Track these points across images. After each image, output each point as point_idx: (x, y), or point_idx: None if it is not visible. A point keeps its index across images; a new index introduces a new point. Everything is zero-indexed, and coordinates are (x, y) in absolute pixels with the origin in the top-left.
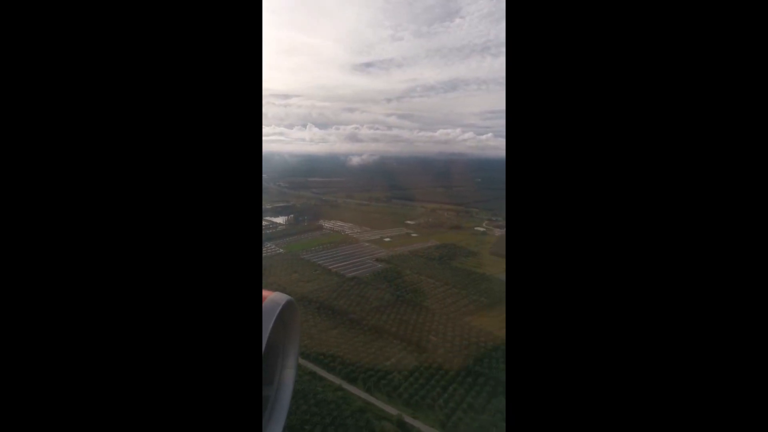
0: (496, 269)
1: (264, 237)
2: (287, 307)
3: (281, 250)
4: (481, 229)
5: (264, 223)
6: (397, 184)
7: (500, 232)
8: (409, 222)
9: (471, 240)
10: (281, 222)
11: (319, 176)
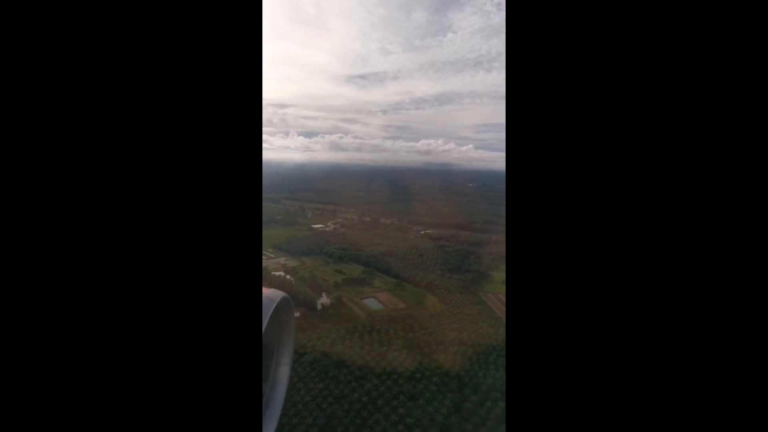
0: None
1: None
2: (282, 304)
3: None
4: (319, 226)
5: None
6: (314, 188)
7: (333, 227)
8: None
9: (285, 234)
10: None
11: None
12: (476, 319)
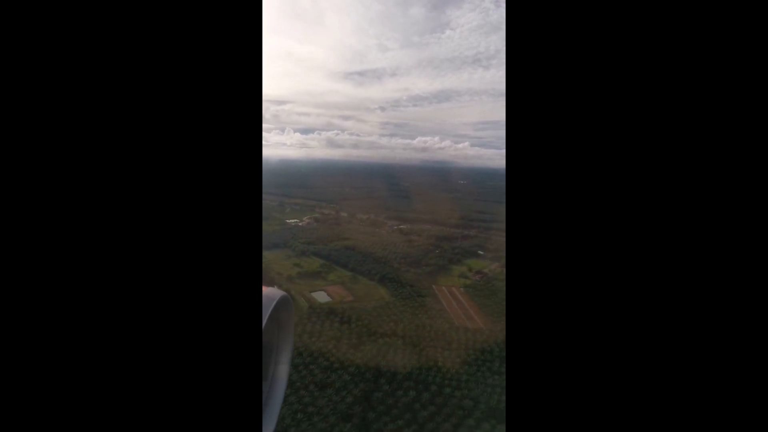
0: None
1: None
2: (282, 303)
3: None
4: (293, 221)
5: None
6: (304, 184)
7: (306, 222)
8: None
9: None
10: None
11: None
12: (418, 311)
